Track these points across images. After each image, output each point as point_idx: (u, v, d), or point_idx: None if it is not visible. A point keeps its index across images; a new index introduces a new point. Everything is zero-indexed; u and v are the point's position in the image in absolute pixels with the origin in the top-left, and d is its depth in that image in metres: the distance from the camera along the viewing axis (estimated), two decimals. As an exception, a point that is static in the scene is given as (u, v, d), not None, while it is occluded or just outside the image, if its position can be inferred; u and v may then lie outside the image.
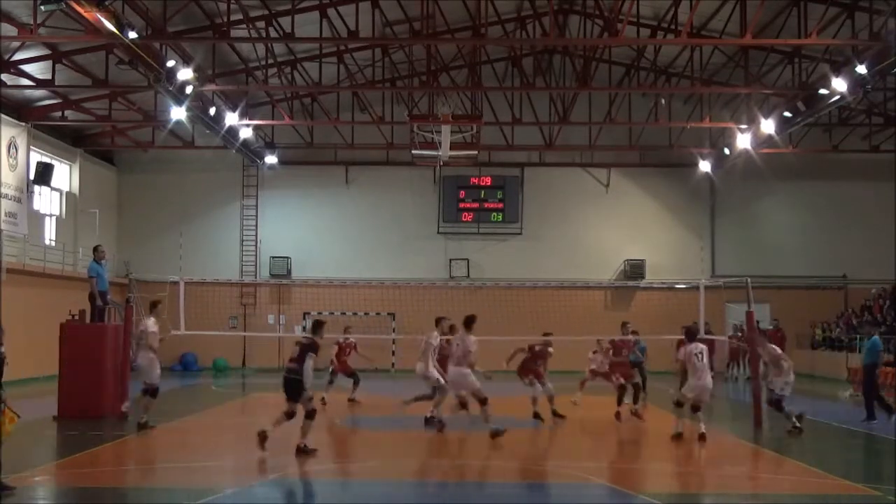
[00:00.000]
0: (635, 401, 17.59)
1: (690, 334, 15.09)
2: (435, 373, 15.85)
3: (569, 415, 16.98)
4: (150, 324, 15.58)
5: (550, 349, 17.06)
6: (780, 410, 15.37)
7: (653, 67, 28.03)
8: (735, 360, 29.16)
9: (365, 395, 20.31)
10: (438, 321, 16.52)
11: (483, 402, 14.29)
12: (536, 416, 16.39)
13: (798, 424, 15.20)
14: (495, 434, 14.13)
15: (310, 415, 12.68)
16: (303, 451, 12.60)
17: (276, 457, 13.85)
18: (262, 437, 12.56)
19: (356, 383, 19.95)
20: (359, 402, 19.63)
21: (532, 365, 16.81)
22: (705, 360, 14.54)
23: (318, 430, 16.07)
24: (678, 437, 14.46)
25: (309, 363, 12.63)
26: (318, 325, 13.14)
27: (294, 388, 12.64)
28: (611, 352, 17.95)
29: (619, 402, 17.41)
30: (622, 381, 17.55)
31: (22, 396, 19.46)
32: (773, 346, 16.34)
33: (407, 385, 19.74)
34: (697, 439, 13.99)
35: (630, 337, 18.38)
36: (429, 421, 15.97)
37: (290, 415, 12.75)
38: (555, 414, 16.76)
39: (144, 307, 27.70)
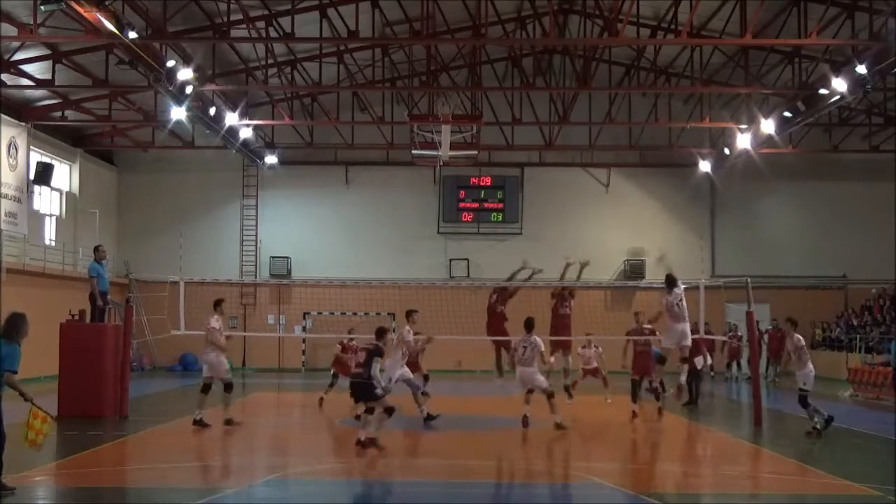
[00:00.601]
0: (657, 398, 17.54)
1: (671, 282, 15.26)
2: (397, 370, 15.64)
3: (569, 414, 16.96)
4: (213, 320, 15.80)
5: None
6: (805, 407, 15.20)
7: (653, 67, 28.03)
8: (735, 359, 29.15)
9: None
10: (410, 314, 16.46)
11: (550, 395, 15.23)
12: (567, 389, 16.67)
13: (818, 427, 14.95)
14: (559, 427, 15.03)
15: (388, 411, 12.97)
16: (362, 444, 12.85)
17: (277, 457, 13.89)
18: (363, 444, 12.96)
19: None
20: None
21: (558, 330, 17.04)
22: (684, 305, 15.23)
23: (318, 430, 16.13)
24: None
25: (376, 367, 12.98)
26: (382, 332, 13.53)
27: (363, 390, 12.98)
28: (630, 345, 17.89)
29: (634, 398, 17.10)
30: (637, 377, 17.49)
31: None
32: (799, 335, 15.88)
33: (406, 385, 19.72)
34: (676, 392, 15.67)
35: (647, 326, 17.99)
36: (427, 419, 15.96)
37: (370, 411, 13.05)
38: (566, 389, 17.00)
39: (145, 307, 27.89)
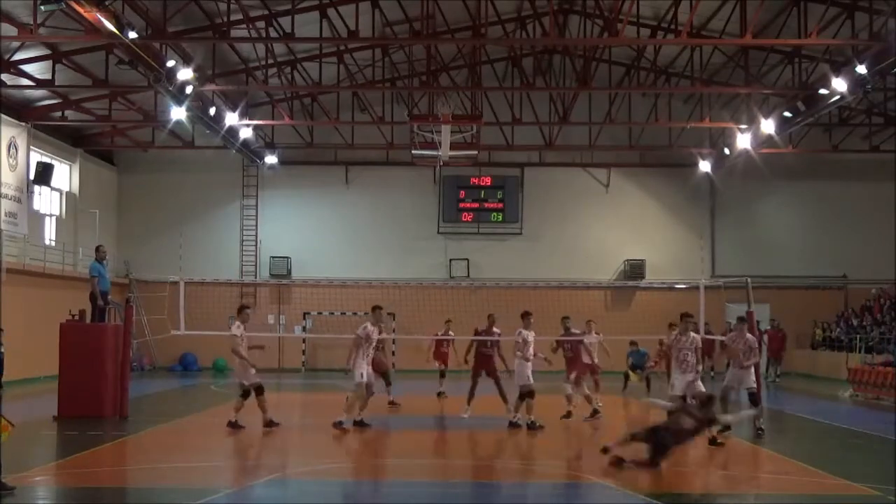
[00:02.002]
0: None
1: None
2: (363, 366, 15.25)
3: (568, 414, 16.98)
4: (234, 328, 15.49)
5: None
6: (756, 405, 15.22)
7: (653, 67, 28.02)
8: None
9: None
10: (374, 309, 15.84)
11: (528, 394, 15.30)
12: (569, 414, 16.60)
13: (762, 427, 15.00)
14: (513, 424, 15.23)
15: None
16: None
17: (276, 457, 13.89)
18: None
19: (388, 384, 19.07)
20: (398, 405, 18.87)
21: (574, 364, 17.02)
22: (693, 355, 14.24)
23: (319, 431, 16.10)
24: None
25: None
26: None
27: None
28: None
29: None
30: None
31: (22, 396, 19.50)
32: (752, 336, 15.67)
33: (406, 385, 19.76)
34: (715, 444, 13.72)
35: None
36: (359, 423, 15.44)
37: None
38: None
39: (145, 307, 27.90)
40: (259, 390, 15.29)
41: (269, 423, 15.38)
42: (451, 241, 33.51)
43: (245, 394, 15.32)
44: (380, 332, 18.28)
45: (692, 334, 14.48)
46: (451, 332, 20.89)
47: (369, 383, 15.48)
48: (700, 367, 14.57)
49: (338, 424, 15.22)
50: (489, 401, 17.74)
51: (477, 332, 17.69)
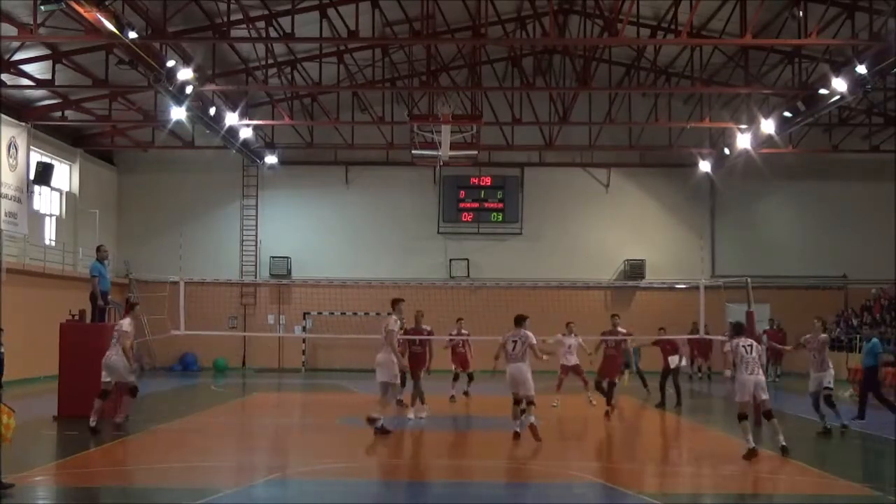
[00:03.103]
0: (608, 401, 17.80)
1: (736, 330, 13.96)
2: (397, 360, 14.75)
3: (565, 415, 16.98)
4: (125, 324, 15.15)
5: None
6: (832, 406, 15.36)
7: (653, 67, 28.02)
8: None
9: (366, 395, 20.28)
10: (395, 303, 15.20)
11: (531, 402, 14.35)
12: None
13: (829, 426, 15.24)
14: (533, 429, 14.41)
15: None
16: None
17: (277, 457, 13.89)
18: None
19: (470, 379, 19.62)
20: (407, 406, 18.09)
21: None
22: (754, 353, 13.30)
23: (318, 430, 16.15)
24: (752, 453, 12.70)
25: None
26: None
27: None
28: (603, 347, 18.23)
29: (609, 398, 17.66)
30: (615, 379, 18.04)
31: (22, 396, 19.49)
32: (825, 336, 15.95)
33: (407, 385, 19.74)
34: (744, 457, 12.63)
35: (621, 329, 18.44)
36: (380, 427, 14.66)
37: None
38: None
39: (145, 307, 27.82)
40: (134, 391, 15.11)
41: (120, 427, 14.84)
42: (451, 241, 33.52)
43: (132, 391, 15.11)
44: (402, 330, 18.34)
45: (735, 340, 13.63)
46: (464, 331, 20.34)
47: (393, 383, 14.77)
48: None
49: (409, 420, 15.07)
50: (490, 401, 17.76)
51: (406, 332, 17.62)
